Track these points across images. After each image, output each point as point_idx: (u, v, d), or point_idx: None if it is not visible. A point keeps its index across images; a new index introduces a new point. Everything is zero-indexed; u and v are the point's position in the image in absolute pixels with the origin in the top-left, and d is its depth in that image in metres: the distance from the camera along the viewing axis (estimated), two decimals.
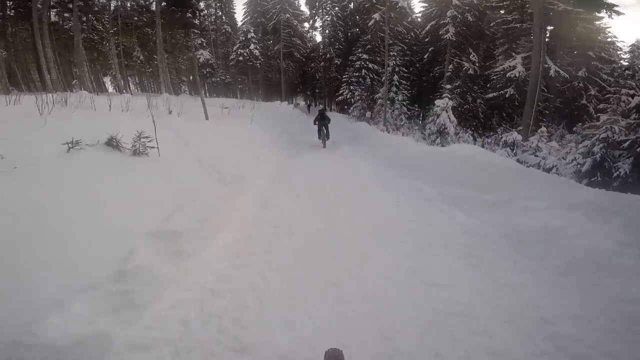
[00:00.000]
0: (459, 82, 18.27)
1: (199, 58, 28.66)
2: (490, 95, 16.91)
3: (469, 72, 18.13)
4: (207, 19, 36.95)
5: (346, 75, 27.34)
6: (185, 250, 2.99)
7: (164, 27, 21.58)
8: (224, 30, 36.46)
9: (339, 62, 30.62)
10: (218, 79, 29.57)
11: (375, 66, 27.87)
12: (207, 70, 29.08)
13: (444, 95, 10.57)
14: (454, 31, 18.11)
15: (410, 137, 11.17)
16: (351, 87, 26.50)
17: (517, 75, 15.58)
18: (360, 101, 21.22)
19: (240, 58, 25.93)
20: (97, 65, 26.97)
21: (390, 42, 30.77)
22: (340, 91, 27.01)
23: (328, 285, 2.89)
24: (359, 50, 27.89)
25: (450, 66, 18.49)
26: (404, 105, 18.32)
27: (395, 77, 20.26)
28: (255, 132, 9.45)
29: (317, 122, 10.88)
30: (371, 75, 27.33)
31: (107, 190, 3.51)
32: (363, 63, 27.43)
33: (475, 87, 19.07)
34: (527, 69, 16.41)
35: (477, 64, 18.91)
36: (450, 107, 10.37)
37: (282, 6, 29.53)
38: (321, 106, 36.72)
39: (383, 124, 14.86)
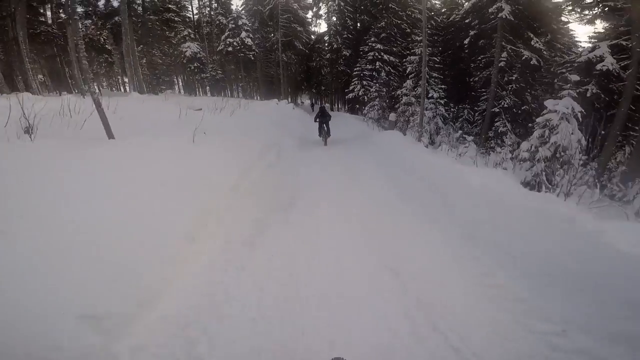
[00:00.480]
0: (515, 76, 13.23)
1: (185, 51, 23.95)
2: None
3: (531, 63, 13.02)
4: (201, 11, 32.08)
5: (357, 69, 22.41)
6: None
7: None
8: (217, 22, 31.53)
9: (347, 54, 25.60)
10: (208, 75, 24.73)
11: (392, 58, 22.91)
12: (195, 65, 24.30)
13: (562, 94, 5.58)
14: (510, 9, 12.96)
15: (503, 170, 6.22)
16: (364, 82, 21.56)
17: (611, 67, 10.53)
18: (378, 99, 16.25)
19: (230, 48, 21.02)
20: (63, 63, 22.25)
21: (408, 30, 25.85)
22: (351, 87, 22.07)
23: None
24: (372, 39, 22.96)
25: (504, 54, 13.38)
26: (439, 104, 13.38)
27: (425, 69, 15.23)
28: (204, 160, 4.66)
29: (317, 119, 10.28)
30: (387, 68, 22.42)
31: None
32: (377, 54, 22.51)
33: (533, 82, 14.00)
34: (618, 59, 11.39)
35: (543, 52, 13.80)
36: (579, 114, 5.40)
37: None
38: (327, 105, 31.93)
39: (420, 134, 9.93)
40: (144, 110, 9.19)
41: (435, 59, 16.00)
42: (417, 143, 8.21)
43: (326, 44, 27.95)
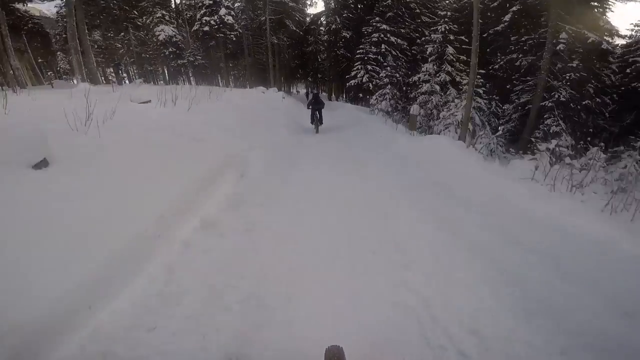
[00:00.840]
0: (575, 63, 9.75)
1: (159, 35, 20.02)
2: None
3: (601, 47, 9.47)
4: None
5: (360, 51, 18.70)
6: None
7: None
8: (200, 4, 27.45)
9: (348, 36, 21.84)
10: (186, 61, 20.87)
11: (400, 40, 19.21)
12: (170, 50, 20.42)
13: None
14: None
15: None
16: (368, 67, 17.95)
17: None
18: (389, 86, 12.74)
19: (206, 28, 17.07)
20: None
21: (418, 10, 22.04)
22: (352, 72, 18.40)
23: None
24: (377, 19, 19.22)
25: (563, 34, 9.78)
26: (478, 96, 9.88)
27: (450, 50, 11.72)
28: None
29: (310, 106, 9.56)
30: (394, 52, 18.80)
31: None
32: (382, 35, 18.81)
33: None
34: None
35: (616, 33, 10.30)
36: None
37: None
38: (324, 93, 28.27)
39: (465, 138, 6.55)
40: (50, 108, 5.72)
41: (463, 38, 12.36)
42: (494, 166, 4.74)
43: (323, 25, 24.15)
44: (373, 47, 18.49)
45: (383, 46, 18.59)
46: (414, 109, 8.78)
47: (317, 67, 25.71)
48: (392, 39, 18.95)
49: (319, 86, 27.37)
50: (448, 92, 11.31)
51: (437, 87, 10.66)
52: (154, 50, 22.07)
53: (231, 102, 9.93)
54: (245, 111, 8.85)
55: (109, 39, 19.16)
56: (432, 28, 12.98)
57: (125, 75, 24.97)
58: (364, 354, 1.64)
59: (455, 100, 8.69)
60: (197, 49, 22.03)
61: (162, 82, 26.88)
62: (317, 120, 9.26)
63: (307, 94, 23.52)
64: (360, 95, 18.20)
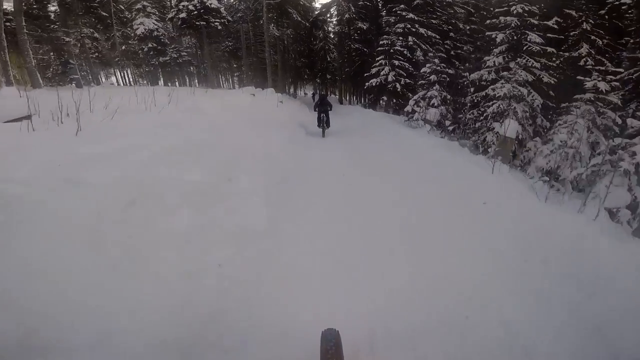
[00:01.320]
0: None
1: (137, 29, 16.38)
2: None
3: None
4: None
5: (384, 42, 14.67)
6: None
7: None
8: None
9: (365, 27, 17.87)
10: (168, 58, 17.17)
11: (431, 32, 15.22)
12: (150, 45, 16.75)
13: None
14: None
15: None
16: (395, 62, 13.95)
17: None
18: (436, 86, 8.68)
19: (183, 15, 13.20)
20: None
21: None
22: (373, 69, 14.33)
23: None
24: (402, 6, 15.26)
25: None
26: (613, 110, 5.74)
27: (532, 37, 7.59)
28: None
29: (317, 108, 8.96)
30: (424, 46, 14.80)
31: None
32: (409, 26, 14.84)
33: None
34: None
35: None
36: None
37: None
38: (334, 96, 24.49)
39: None
40: None
41: (550, 24, 8.15)
42: None
43: (334, 17, 20.33)
44: (399, 39, 14.54)
45: (410, 38, 14.66)
46: (509, 127, 4.72)
47: (326, 67, 21.86)
48: (422, 30, 15.04)
49: (329, 88, 23.47)
50: (532, 97, 7.23)
51: (524, 90, 6.57)
52: (132, 46, 18.57)
53: (188, 112, 6.05)
54: (195, 132, 4.87)
55: (56, 32, 15.43)
56: (497, 10, 8.84)
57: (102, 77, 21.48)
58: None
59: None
60: (183, 44, 18.38)
61: (145, 82, 23.36)
62: (323, 123, 8.83)
63: (313, 96, 19.72)
64: (384, 98, 14.17)
